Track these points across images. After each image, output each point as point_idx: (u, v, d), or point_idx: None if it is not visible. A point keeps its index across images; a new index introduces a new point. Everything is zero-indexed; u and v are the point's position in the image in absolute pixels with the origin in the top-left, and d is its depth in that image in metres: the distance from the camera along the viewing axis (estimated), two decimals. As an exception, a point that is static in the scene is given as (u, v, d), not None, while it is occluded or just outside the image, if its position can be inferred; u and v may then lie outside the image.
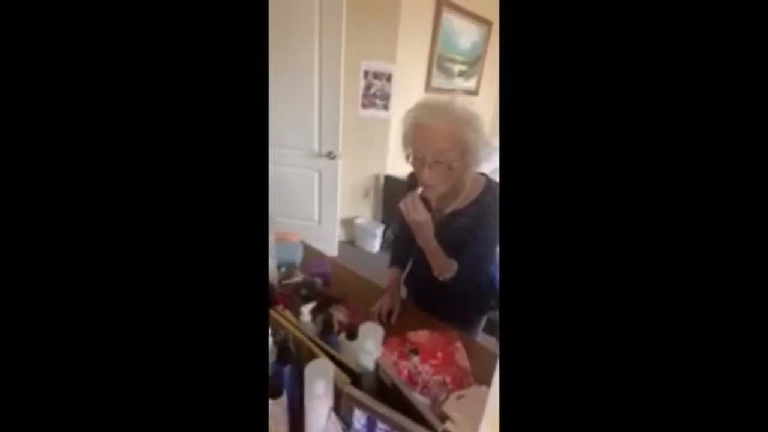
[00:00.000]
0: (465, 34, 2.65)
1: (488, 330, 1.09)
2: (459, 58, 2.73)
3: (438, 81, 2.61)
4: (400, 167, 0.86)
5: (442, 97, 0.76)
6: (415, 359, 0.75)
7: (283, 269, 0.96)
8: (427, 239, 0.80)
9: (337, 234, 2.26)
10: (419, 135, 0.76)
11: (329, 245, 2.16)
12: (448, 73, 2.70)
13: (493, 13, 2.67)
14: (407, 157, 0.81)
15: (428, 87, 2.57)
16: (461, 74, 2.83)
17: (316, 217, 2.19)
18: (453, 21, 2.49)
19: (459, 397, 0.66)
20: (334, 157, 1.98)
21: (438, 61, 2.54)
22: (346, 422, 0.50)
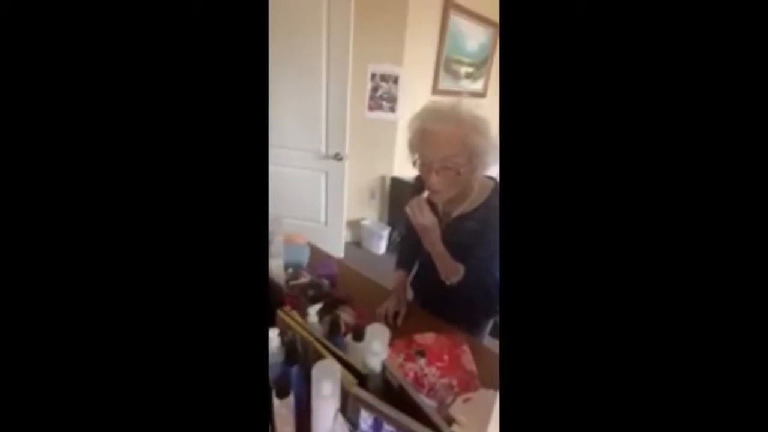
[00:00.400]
0: (472, 36, 2.64)
1: (495, 333, 1.09)
2: (466, 60, 2.72)
3: (445, 83, 2.61)
4: (407, 169, 0.86)
5: (448, 101, 0.76)
6: (422, 361, 0.75)
7: (290, 270, 0.96)
8: (434, 243, 0.80)
9: (344, 235, 2.26)
10: (425, 141, 0.76)
11: (335, 247, 2.16)
12: (455, 76, 2.70)
13: (500, 15, 2.66)
14: (414, 163, 0.81)
15: (435, 89, 2.57)
16: (468, 76, 2.83)
17: (323, 219, 2.20)
18: (460, 23, 2.49)
19: (465, 400, 0.66)
20: (341, 159, 1.99)
21: (445, 64, 2.54)
22: (353, 423, 0.50)
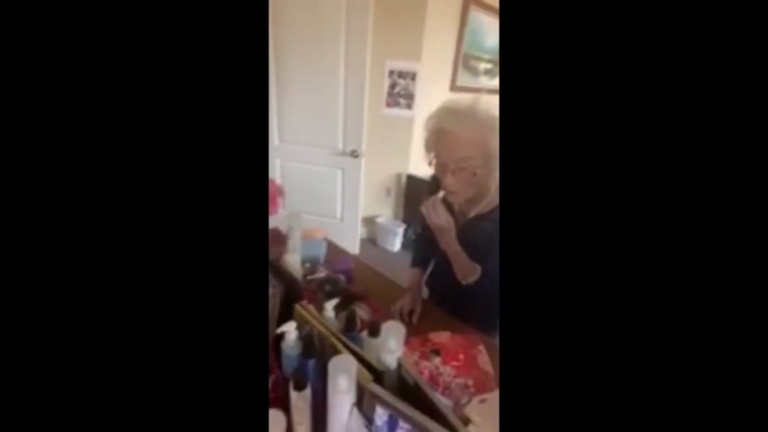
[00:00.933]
0: (492, 32, 2.59)
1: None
2: (485, 56, 2.67)
3: (463, 80, 2.57)
4: (423, 167, 0.86)
5: (465, 100, 0.75)
6: (437, 360, 0.75)
7: (308, 265, 0.98)
8: (450, 243, 0.79)
9: (359, 232, 2.28)
10: (442, 141, 0.75)
11: (350, 243, 2.18)
12: (473, 72, 2.66)
13: (522, 9, 2.60)
14: (430, 163, 0.80)
15: (453, 86, 2.54)
16: (487, 73, 2.78)
17: (339, 215, 2.22)
18: (480, 18, 2.44)
19: (482, 401, 0.65)
20: (357, 156, 2.00)
21: (464, 60, 2.50)
22: (368, 419, 0.51)
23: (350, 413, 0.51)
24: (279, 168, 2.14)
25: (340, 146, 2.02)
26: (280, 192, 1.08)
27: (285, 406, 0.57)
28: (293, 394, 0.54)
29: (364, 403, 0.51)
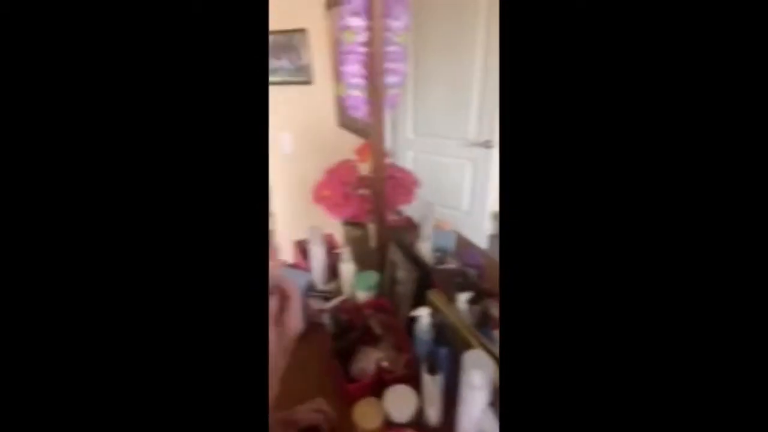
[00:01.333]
0: None
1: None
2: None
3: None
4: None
5: None
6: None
7: (438, 254, 0.99)
8: None
9: (488, 227, 2.17)
10: None
11: (479, 238, 2.10)
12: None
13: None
14: None
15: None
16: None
17: (467, 208, 2.17)
18: None
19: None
20: (490, 147, 1.89)
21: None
22: (503, 423, 0.48)
23: (484, 411, 0.49)
24: (411, 161, 2.23)
25: (472, 137, 1.95)
26: (416, 183, 1.12)
27: (416, 386, 0.59)
28: (425, 377, 0.56)
29: (498, 404, 0.49)
